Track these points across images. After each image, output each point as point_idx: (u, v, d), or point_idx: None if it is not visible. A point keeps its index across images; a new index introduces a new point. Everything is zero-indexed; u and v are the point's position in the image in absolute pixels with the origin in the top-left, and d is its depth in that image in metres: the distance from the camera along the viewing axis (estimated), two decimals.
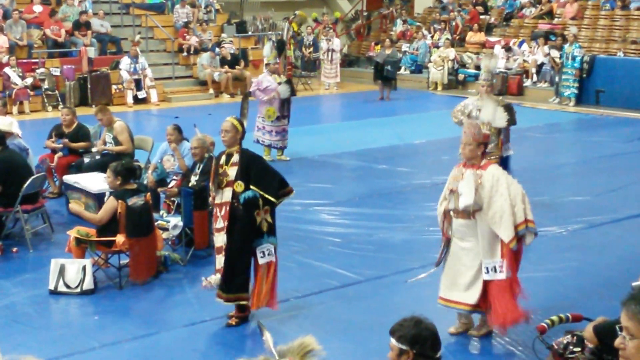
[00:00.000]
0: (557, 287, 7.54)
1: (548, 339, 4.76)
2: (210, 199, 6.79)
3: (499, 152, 9.50)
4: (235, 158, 6.52)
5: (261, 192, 6.37)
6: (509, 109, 9.38)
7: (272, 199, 6.43)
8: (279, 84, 12.47)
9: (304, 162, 12.90)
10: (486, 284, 6.04)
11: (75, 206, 7.94)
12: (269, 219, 6.45)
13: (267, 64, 13.69)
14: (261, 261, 6.48)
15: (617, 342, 2.60)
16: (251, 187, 6.37)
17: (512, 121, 9.43)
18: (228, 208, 6.46)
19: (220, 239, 6.56)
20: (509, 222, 5.89)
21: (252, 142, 12.60)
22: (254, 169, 6.46)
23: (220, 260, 6.58)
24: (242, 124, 6.65)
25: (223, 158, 6.62)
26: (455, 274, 6.17)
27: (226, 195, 6.50)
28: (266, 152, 12.72)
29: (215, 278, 6.64)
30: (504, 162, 9.60)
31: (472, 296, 6.10)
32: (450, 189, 6.15)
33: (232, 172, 6.48)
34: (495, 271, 5.96)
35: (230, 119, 6.61)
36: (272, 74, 12.72)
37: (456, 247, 6.17)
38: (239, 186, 6.38)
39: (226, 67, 20.51)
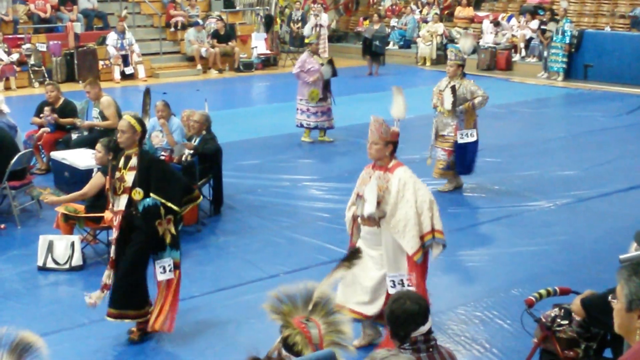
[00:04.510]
0: (545, 260, 7.59)
1: (536, 312, 4.78)
2: (110, 206, 6.03)
3: (454, 138, 9.40)
4: (134, 161, 5.77)
5: (163, 200, 5.71)
6: (453, 90, 9.18)
7: (175, 208, 5.78)
8: (321, 64, 12.36)
9: (293, 137, 12.86)
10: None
11: (52, 197, 7.45)
12: (173, 230, 5.78)
13: (309, 44, 13.57)
14: (160, 277, 5.85)
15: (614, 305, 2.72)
16: (151, 194, 5.70)
17: (456, 103, 9.18)
18: (121, 217, 5.76)
19: (113, 251, 5.87)
20: (414, 231, 5.34)
21: (294, 126, 12.57)
22: (154, 174, 5.76)
23: (109, 274, 5.86)
24: (141, 123, 5.88)
25: (122, 161, 5.86)
26: (357, 281, 5.59)
27: (122, 202, 5.77)
28: (306, 134, 12.66)
29: (98, 294, 5.92)
30: (461, 149, 9.45)
31: (373, 308, 5.56)
32: (357, 193, 5.61)
33: (129, 177, 5.75)
34: (403, 285, 5.38)
35: (128, 117, 5.86)
36: (313, 54, 12.58)
37: (363, 254, 5.50)
38: (137, 194, 5.70)
39: (215, 41, 20.42)
